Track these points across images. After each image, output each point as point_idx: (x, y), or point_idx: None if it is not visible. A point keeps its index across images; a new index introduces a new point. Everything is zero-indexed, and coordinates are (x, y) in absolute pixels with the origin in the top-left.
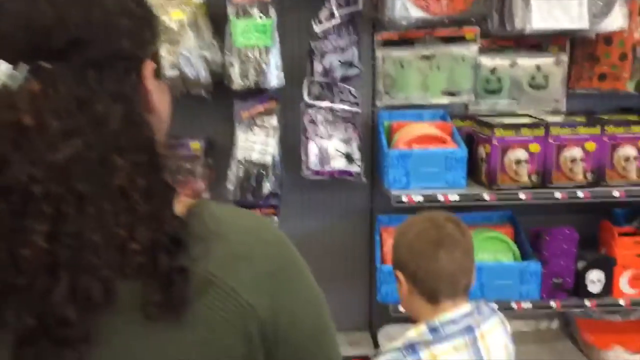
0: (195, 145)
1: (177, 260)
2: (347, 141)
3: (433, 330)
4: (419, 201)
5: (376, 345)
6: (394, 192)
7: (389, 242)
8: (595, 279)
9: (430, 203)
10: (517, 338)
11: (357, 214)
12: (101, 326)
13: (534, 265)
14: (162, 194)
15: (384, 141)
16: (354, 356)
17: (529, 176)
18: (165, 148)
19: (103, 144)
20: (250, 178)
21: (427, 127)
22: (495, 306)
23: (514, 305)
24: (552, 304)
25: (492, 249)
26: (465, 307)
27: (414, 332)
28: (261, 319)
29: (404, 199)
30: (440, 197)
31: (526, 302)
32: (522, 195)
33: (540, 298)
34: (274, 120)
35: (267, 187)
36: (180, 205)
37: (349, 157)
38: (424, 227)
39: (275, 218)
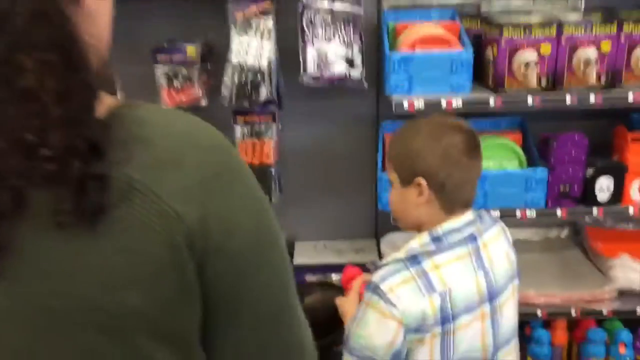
0: (192, 49)
1: (93, 167)
2: (348, 44)
3: (436, 239)
4: (419, 108)
5: (381, 253)
6: (395, 97)
7: None
8: (604, 187)
9: (433, 109)
10: (525, 246)
11: (363, 121)
12: (12, 236)
13: (540, 172)
14: (80, 96)
15: (387, 44)
16: (359, 263)
17: (539, 80)
18: (104, 47)
19: (7, 42)
20: (245, 83)
21: (432, 28)
22: (497, 215)
23: (518, 213)
24: (558, 212)
25: (498, 156)
26: (468, 215)
27: (416, 242)
28: (189, 228)
29: (405, 105)
30: (443, 103)
31: (531, 210)
32: (530, 100)
33: (545, 206)
34: (269, 22)
35: (263, 93)
36: (104, 108)
37: (349, 62)
38: (460, 137)
39: (274, 125)
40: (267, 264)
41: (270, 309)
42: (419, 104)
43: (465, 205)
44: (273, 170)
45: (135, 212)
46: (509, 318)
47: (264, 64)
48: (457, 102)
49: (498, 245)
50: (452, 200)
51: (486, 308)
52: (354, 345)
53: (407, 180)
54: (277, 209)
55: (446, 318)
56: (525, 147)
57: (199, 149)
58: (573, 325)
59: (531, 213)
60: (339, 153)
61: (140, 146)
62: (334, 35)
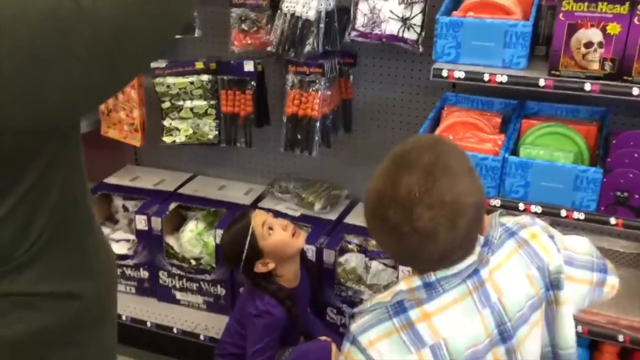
0: None
1: None
2: (408, 4)
3: (428, 286)
4: (459, 77)
5: None
6: (438, 65)
7: (447, 121)
8: None
9: (474, 82)
10: (613, 259)
11: (430, 88)
12: None
13: (594, 172)
14: None
15: (446, 5)
16: None
17: (602, 63)
18: None
19: None
20: (293, 33)
21: None
22: (538, 211)
23: (563, 213)
24: (612, 220)
25: (552, 146)
26: (472, 257)
27: (404, 285)
28: None
29: (444, 73)
30: (486, 77)
31: (580, 212)
32: (587, 87)
33: (596, 210)
34: None
35: (310, 44)
36: None
37: (405, 22)
38: (384, 237)
39: (323, 79)
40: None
41: None
42: (459, 74)
43: (449, 266)
44: (317, 123)
45: None
46: (533, 352)
47: (312, 15)
48: (501, 78)
49: (510, 267)
50: (414, 266)
51: (500, 351)
52: None
53: None
54: (337, 164)
55: None
56: (598, 144)
57: None
58: (627, 354)
59: (579, 215)
60: (408, 117)
61: None
62: None
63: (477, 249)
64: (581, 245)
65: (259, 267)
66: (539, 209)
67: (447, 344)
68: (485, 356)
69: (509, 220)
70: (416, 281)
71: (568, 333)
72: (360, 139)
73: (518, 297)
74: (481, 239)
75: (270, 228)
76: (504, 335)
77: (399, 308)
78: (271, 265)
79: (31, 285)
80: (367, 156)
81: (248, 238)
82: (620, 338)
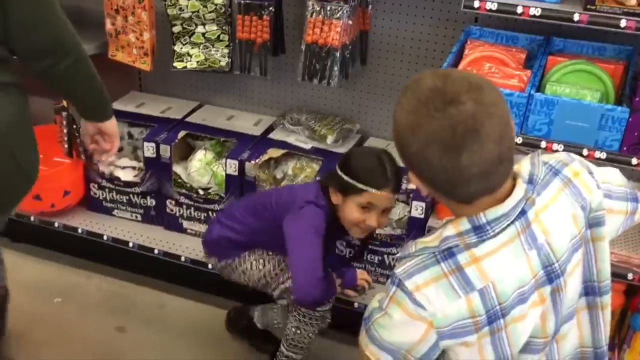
0: None
1: None
2: None
3: (478, 228)
4: (491, 9)
5: None
6: None
7: (471, 55)
8: None
9: (505, 15)
10: None
11: (451, 22)
12: None
13: (620, 111)
14: None
15: None
16: None
17: None
18: None
19: None
20: None
21: None
22: (560, 149)
23: (585, 152)
24: (634, 160)
25: (579, 84)
26: (518, 191)
27: (452, 229)
28: None
29: (476, 4)
30: (519, 9)
31: (601, 151)
32: (623, 23)
33: (618, 150)
34: None
35: None
36: None
37: None
38: (433, 126)
39: (346, 7)
40: None
41: None
42: (492, 5)
43: (492, 191)
44: (337, 53)
45: None
46: (573, 291)
47: None
48: (534, 11)
49: (556, 207)
50: (458, 195)
51: (546, 291)
52: (374, 333)
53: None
54: (350, 98)
55: (493, 316)
56: (625, 84)
57: None
58: (634, 291)
59: (601, 154)
60: (426, 51)
61: None
62: None
63: (522, 184)
64: (615, 177)
65: (332, 194)
66: (560, 147)
67: (495, 287)
68: (530, 297)
69: (551, 159)
70: (465, 224)
71: (607, 265)
72: (375, 72)
73: (564, 237)
74: (524, 174)
75: (369, 207)
76: (551, 275)
77: (446, 252)
78: (335, 200)
79: None
80: (381, 91)
81: (359, 182)
82: (630, 276)
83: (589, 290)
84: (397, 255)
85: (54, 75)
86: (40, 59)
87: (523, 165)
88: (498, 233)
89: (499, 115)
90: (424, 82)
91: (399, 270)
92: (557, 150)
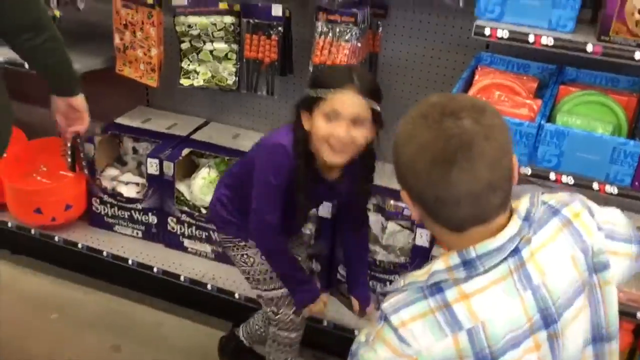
0: None
1: None
2: None
3: (467, 264)
4: (501, 37)
5: None
6: (480, 22)
7: (481, 82)
8: None
9: (517, 43)
10: None
11: (462, 46)
12: None
13: (633, 145)
14: None
15: None
16: None
17: None
18: None
19: None
20: None
21: None
22: (569, 182)
23: (596, 186)
24: None
25: (591, 116)
26: (513, 226)
27: (441, 264)
28: None
29: (487, 32)
30: (531, 38)
31: (613, 186)
32: (638, 55)
33: (630, 185)
34: None
35: None
36: None
37: None
38: (427, 136)
39: (355, 29)
40: None
41: None
42: (503, 33)
43: (484, 221)
44: None
45: None
46: (577, 338)
47: None
48: (547, 40)
49: (554, 248)
50: (449, 220)
51: (541, 337)
52: None
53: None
54: None
55: (483, 359)
56: (638, 116)
57: None
58: None
59: (612, 189)
60: (435, 75)
61: None
62: None
63: (517, 220)
64: (618, 218)
65: (304, 120)
66: (570, 180)
67: (485, 328)
68: (524, 342)
69: (551, 199)
70: (454, 258)
71: (615, 309)
72: (383, 94)
73: (562, 280)
74: (521, 211)
75: (336, 117)
76: (548, 320)
77: (434, 288)
78: (307, 126)
79: None
80: (390, 114)
81: (320, 88)
82: (639, 315)
83: (597, 337)
84: (386, 289)
85: (33, 48)
86: (23, 33)
87: (522, 203)
88: (488, 270)
89: (496, 140)
90: (430, 99)
91: (385, 304)
92: (566, 183)
